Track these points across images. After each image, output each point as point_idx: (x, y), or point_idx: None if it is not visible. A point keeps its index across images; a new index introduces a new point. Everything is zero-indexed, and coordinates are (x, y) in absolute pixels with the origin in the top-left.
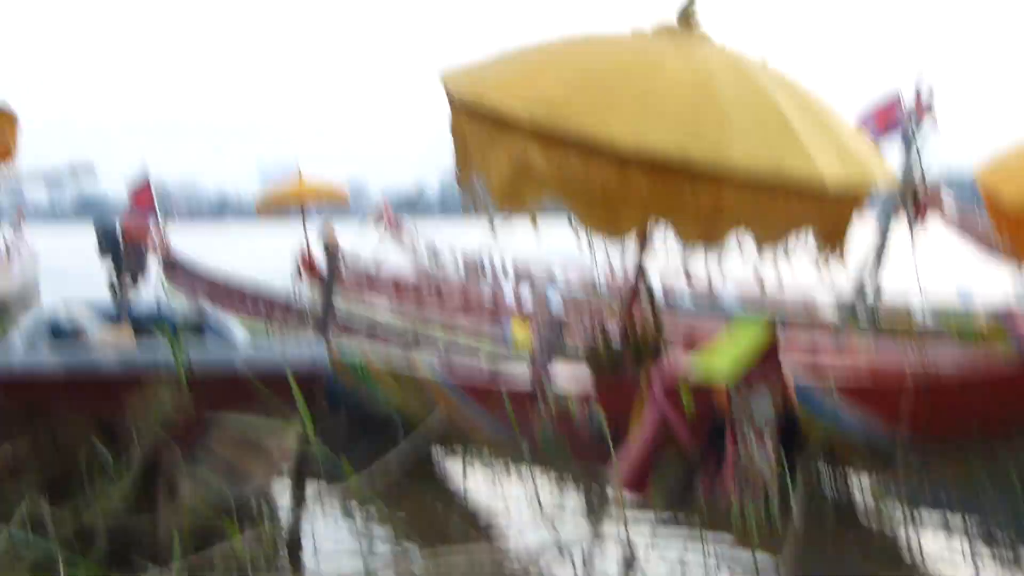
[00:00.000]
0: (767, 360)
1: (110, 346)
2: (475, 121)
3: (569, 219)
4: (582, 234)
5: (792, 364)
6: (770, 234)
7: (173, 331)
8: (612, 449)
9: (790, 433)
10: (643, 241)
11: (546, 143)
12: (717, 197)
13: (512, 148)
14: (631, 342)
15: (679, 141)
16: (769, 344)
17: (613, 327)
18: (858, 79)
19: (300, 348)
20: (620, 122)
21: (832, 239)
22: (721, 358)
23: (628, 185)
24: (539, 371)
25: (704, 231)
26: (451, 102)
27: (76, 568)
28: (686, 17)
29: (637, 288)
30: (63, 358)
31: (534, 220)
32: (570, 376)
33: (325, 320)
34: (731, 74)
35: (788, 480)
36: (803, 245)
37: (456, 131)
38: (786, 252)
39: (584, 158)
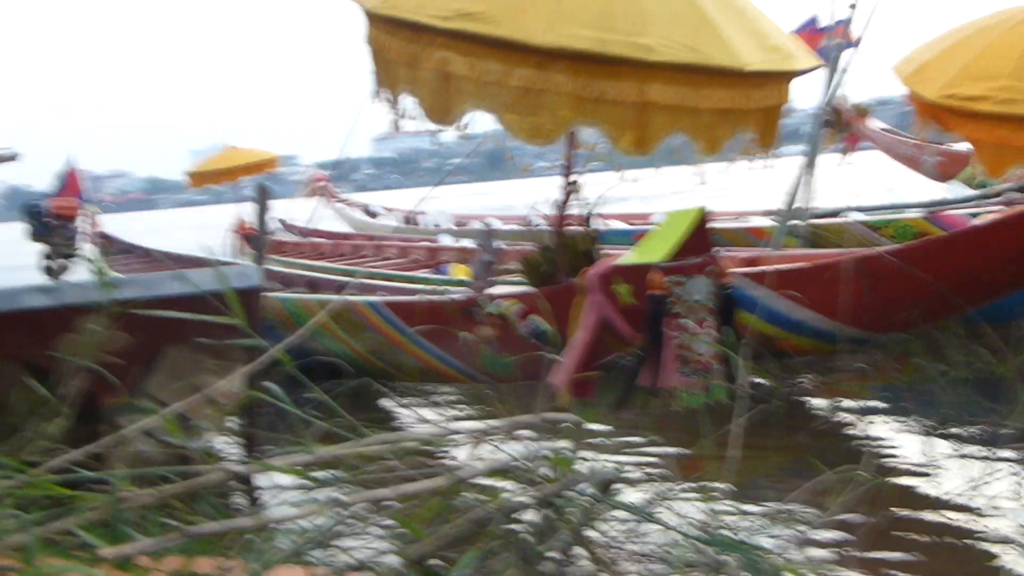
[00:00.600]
0: (698, 239)
1: None
2: (394, 36)
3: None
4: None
5: (728, 262)
6: (703, 133)
7: None
8: (555, 356)
9: (728, 314)
10: (571, 147)
11: (465, 50)
12: (641, 91)
13: (434, 60)
14: (566, 249)
15: (595, 35)
16: (699, 224)
17: (547, 242)
18: None
19: (233, 270)
20: (536, 21)
21: (765, 138)
22: (654, 245)
23: (549, 85)
24: (478, 290)
25: (636, 134)
26: (369, 18)
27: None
28: None
29: (568, 196)
30: None
31: (462, 131)
32: (508, 293)
33: (259, 252)
34: None
35: (732, 361)
36: (736, 145)
37: (375, 48)
38: (724, 159)
39: (504, 61)
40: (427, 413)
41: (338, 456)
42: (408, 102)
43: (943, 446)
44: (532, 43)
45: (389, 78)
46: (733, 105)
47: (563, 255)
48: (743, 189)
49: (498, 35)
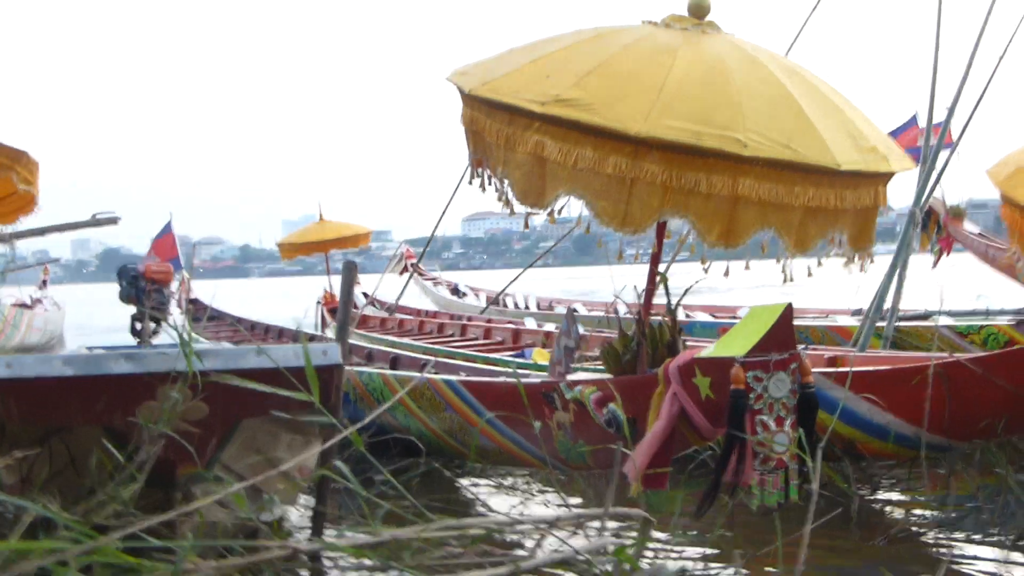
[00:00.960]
0: (782, 335)
1: None
2: (491, 118)
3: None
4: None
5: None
6: (793, 230)
7: None
8: (631, 447)
9: (808, 413)
10: (660, 237)
11: (560, 136)
12: (733, 185)
13: (529, 143)
14: (648, 339)
15: (691, 127)
16: (784, 320)
17: (630, 330)
18: (883, 95)
19: (313, 347)
20: (631, 110)
21: (858, 240)
22: (737, 339)
23: (642, 175)
24: (557, 377)
25: (724, 227)
26: (465, 99)
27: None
28: (697, 8)
29: (654, 285)
30: (73, 363)
31: (552, 216)
32: (588, 380)
33: (343, 328)
34: (742, 62)
35: (809, 462)
36: (832, 247)
37: (472, 129)
38: (814, 255)
39: (598, 148)
40: (499, 497)
41: (401, 539)
42: (503, 185)
43: (1021, 560)
44: (627, 132)
45: (486, 159)
46: (825, 204)
47: (646, 345)
48: (833, 287)
49: (593, 122)
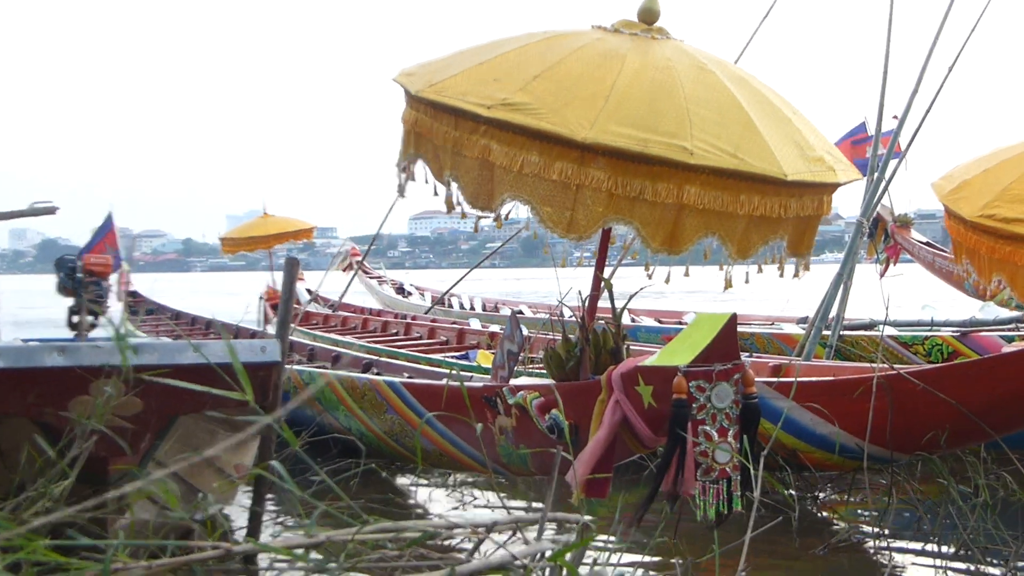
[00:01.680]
0: (726, 345)
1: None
2: (437, 120)
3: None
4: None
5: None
6: (736, 238)
7: None
8: (573, 453)
9: (751, 424)
10: (605, 243)
11: (506, 140)
12: (679, 192)
13: (476, 147)
14: (592, 344)
15: (638, 135)
16: (728, 329)
17: (573, 336)
18: (830, 104)
19: (252, 344)
20: (578, 116)
21: (799, 246)
22: (681, 348)
23: (587, 181)
24: (499, 380)
25: (668, 234)
26: (409, 100)
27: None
28: (647, 13)
29: (598, 291)
30: (4, 355)
31: (498, 220)
32: (530, 385)
33: (284, 326)
34: (691, 69)
35: (750, 472)
36: (771, 252)
37: (416, 130)
38: (754, 261)
39: (543, 154)
40: (439, 500)
41: (337, 540)
42: (451, 187)
43: (961, 570)
44: (573, 138)
45: (434, 161)
46: (769, 212)
47: (589, 351)
48: (775, 294)
49: (539, 127)
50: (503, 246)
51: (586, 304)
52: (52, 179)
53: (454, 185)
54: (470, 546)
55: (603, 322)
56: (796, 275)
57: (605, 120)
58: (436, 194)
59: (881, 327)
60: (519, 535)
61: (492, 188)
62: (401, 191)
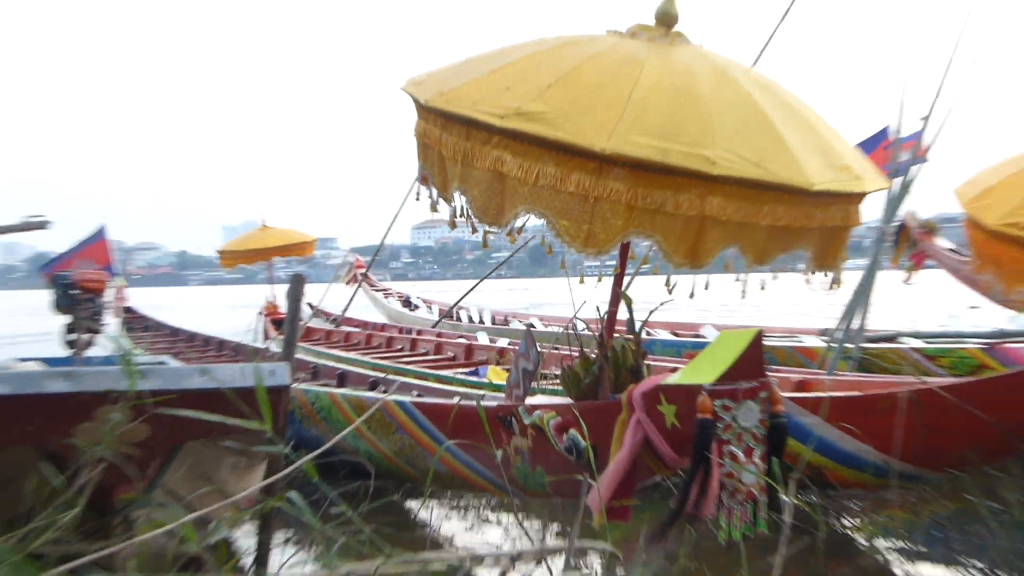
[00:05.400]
0: (751, 362)
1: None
2: (447, 131)
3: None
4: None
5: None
6: (759, 249)
7: None
8: (593, 476)
9: (778, 443)
10: (624, 257)
11: (520, 151)
12: (701, 204)
13: (488, 159)
14: (611, 362)
15: (658, 144)
16: (753, 346)
17: (591, 353)
18: (850, 107)
19: (262, 368)
20: (596, 125)
21: (826, 257)
22: (705, 366)
23: (606, 193)
24: (514, 400)
25: (690, 248)
26: (419, 110)
27: None
28: (665, 17)
29: (616, 308)
30: (6, 381)
31: (512, 235)
32: (547, 405)
33: (290, 346)
34: (712, 75)
35: (778, 494)
36: (793, 262)
37: (425, 142)
38: (773, 270)
39: (559, 165)
40: (454, 524)
41: (358, 574)
42: (460, 200)
43: None
44: (591, 148)
45: (441, 174)
46: (792, 223)
47: (608, 368)
48: (799, 305)
49: (556, 137)
50: (511, 257)
51: (604, 320)
52: (43, 190)
53: (461, 198)
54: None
55: (621, 338)
56: (830, 287)
57: (624, 129)
58: (435, 210)
59: (905, 339)
60: (544, 564)
61: (503, 201)
62: (433, 206)
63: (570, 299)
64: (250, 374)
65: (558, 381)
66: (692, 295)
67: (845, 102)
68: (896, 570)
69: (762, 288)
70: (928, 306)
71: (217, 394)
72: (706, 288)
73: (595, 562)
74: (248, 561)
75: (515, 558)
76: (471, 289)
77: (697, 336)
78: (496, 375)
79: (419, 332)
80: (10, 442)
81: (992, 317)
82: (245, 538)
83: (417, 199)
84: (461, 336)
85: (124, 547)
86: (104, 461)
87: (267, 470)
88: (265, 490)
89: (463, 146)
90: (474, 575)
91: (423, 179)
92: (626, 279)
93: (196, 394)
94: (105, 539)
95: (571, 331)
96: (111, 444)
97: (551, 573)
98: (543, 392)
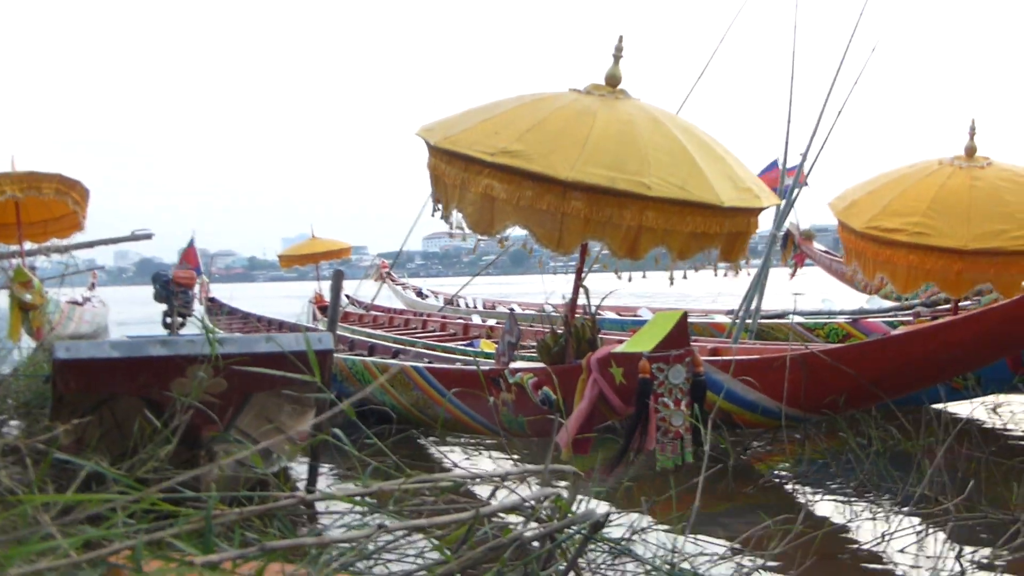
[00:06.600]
0: (679, 335)
1: None
2: (450, 164)
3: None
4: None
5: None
6: (682, 248)
7: None
8: (562, 420)
9: (699, 394)
10: (583, 255)
11: (506, 180)
12: (639, 217)
13: (480, 185)
14: (573, 335)
15: (608, 174)
16: (681, 323)
17: (559, 329)
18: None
19: (311, 336)
20: (562, 160)
21: (731, 254)
22: (644, 338)
23: (570, 209)
24: (501, 364)
25: (630, 247)
26: (429, 149)
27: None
28: (612, 79)
29: (577, 293)
30: (119, 347)
31: (501, 242)
32: (526, 368)
33: (332, 322)
34: (648, 122)
35: (700, 432)
36: (707, 259)
37: (435, 173)
38: (693, 266)
39: (535, 189)
40: (457, 456)
41: (386, 490)
42: (458, 216)
43: (861, 505)
44: (558, 177)
45: (444, 197)
46: (707, 229)
47: (571, 340)
48: (713, 291)
49: (532, 169)
50: (497, 259)
51: (568, 304)
52: (146, 209)
53: (458, 215)
54: (487, 492)
55: (581, 317)
56: (733, 274)
57: (583, 163)
58: (451, 226)
59: (791, 316)
60: (525, 483)
61: (492, 217)
62: (450, 227)
63: (542, 290)
64: (303, 341)
65: (534, 350)
66: (630, 279)
67: (751, 136)
68: (788, 488)
69: (684, 277)
70: (808, 293)
71: (278, 356)
72: (643, 278)
73: (563, 482)
74: (302, 484)
75: (504, 477)
76: (468, 282)
77: (636, 316)
78: (487, 346)
79: (428, 315)
80: (123, 393)
81: (853, 300)
82: (299, 466)
83: (432, 215)
84: (460, 317)
85: (208, 470)
86: (192, 408)
87: (316, 413)
88: (315, 428)
89: (462, 176)
90: (472, 492)
91: (435, 200)
92: (584, 271)
93: (262, 356)
94: (193, 467)
95: (543, 313)
96: (198, 394)
97: (531, 489)
98: (523, 359)
